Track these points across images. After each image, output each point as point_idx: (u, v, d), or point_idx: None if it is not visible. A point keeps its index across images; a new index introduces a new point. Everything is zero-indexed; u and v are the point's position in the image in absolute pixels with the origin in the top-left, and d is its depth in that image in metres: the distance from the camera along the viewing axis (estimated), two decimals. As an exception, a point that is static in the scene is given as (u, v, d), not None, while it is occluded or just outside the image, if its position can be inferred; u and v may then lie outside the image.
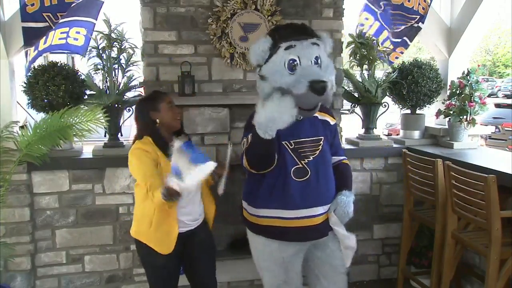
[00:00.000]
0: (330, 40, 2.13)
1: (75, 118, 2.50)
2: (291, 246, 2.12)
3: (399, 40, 3.56)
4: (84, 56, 3.09)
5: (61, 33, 3.10)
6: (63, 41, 3.13)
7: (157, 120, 2.11)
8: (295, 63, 1.97)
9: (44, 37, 3.02)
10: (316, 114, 2.10)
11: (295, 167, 2.02)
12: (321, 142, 2.08)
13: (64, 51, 3.16)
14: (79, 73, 3.00)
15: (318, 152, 2.06)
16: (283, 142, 2.03)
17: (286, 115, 1.83)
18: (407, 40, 3.54)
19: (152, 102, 2.13)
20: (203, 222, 2.27)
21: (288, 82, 1.95)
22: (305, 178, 2.03)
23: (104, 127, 2.83)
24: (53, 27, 2.89)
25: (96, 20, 3.10)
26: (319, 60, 2.02)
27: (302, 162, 2.03)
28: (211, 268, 2.33)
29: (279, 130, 1.92)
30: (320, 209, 2.06)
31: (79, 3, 2.97)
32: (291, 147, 2.05)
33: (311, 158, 2.05)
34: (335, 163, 2.19)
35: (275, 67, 1.99)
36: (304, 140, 2.05)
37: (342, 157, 2.23)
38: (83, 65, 3.13)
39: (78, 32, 3.09)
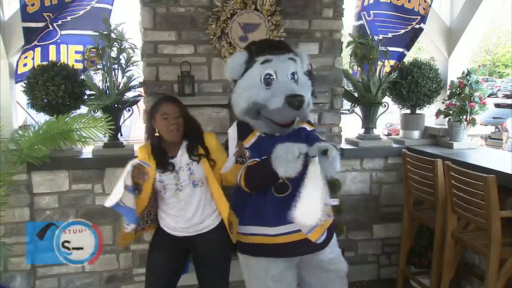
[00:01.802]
0: (307, 56, 2.13)
1: (79, 124, 2.49)
2: (280, 261, 2.09)
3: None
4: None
5: (76, 52, 3.07)
6: (81, 65, 3.08)
7: (156, 130, 2.10)
8: (272, 77, 1.96)
9: (55, 47, 3.00)
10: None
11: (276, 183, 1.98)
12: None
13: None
14: (79, 73, 3.00)
15: None
16: (263, 158, 1.98)
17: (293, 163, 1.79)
18: (403, 50, 3.54)
19: (152, 110, 2.11)
20: (212, 231, 2.17)
21: (263, 97, 1.95)
22: (286, 193, 1.99)
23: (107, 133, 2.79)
24: (55, 28, 2.89)
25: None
26: (295, 76, 2.01)
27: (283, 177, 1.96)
28: (219, 278, 2.23)
29: (262, 146, 1.96)
30: None
31: (88, 12, 2.96)
32: None
33: None
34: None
35: (251, 81, 1.98)
36: None
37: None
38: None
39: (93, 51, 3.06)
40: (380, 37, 3.45)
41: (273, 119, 1.98)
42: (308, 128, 2.17)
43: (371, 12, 3.46)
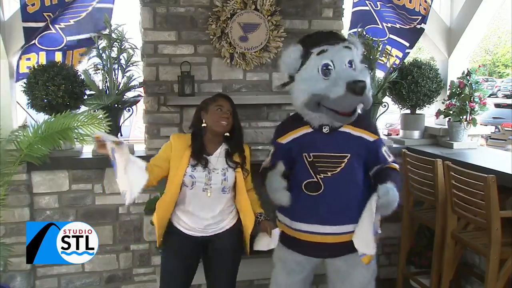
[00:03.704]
0: (360, 43, 2.07)
1: (77, 122, 2.49)
2: (296, 256, 2.12)
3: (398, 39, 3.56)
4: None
5: (80, 55, 3.11)
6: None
7: (204, 120, 2.11)
8: (329, 67, 1.92)
9: (61, 53, 3.03)
10: (349, 130, 2.02)
11: (308, 180, 1.99)
12: (346, 160, 1.99)
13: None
14: (79, 73, 3.00)
15: (339, 169, 1.98)
16: (303, 154, 2.01)
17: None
18: (408, 46, 3.55)
19: (206, 102, 2.15)
20: (227, 232, 2.17)
21: (323, 87, 1.90)
22: (317, 193, 1.99)
23: (105, 131, 2.80)
24: (60, 33, 2.91)
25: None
26: (353, 64, 1.97)
27: (318, 176, 1.98)
28: (227, 280, 2.24)
29: (304, 144, 2.01)
30: (329, 228, 2.01)
31: (89, 13, 2.97)
32: (309, 159, 2.00)
33: (329, 174, 1.98)
34: (377, 170, 2.04)
35: (308, 74, 1.94)
36: (324, 154, 1.99)
37: (385, 164, 2.05)
38: (83, 65, 3.13)
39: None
40: (389, 25, 3.46)
41: (336, 109, 1.91)
42: (370, 138, 2.05)
43: (378, 3, 3.47)
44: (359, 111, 2.00)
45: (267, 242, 2.16)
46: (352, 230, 2.00)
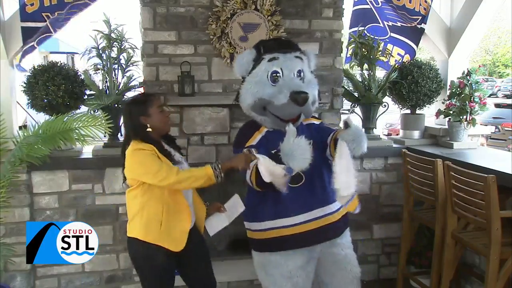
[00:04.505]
0: (314, 56, 2.20)
1: (79, 123, 2.49)
2: (297, 255, 2.10)
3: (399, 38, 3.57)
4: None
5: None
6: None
7: (148, 125, 2.04)
8: (278, 75, 2.02)
9: None
10: (300, 121, 2.12)
11: None
12: (311, 145, 2.03)
13: None
14: (79, 73, 3.00)
15: None
16: (272, 152, 2.01)
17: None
18: (412, 44, 3.55)
19: (142, 106, 2.05)
20: (194, 225, 2.20)
21: (269, 93, 2.01)
22: (300, 183, 2.03)
23: (105, 132, 2.78)
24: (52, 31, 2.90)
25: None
26: (302, 74, 2.08)
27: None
28: (209, 268, 2.29)
29: (270, 141, 2.02)
30: (319, 212, 2.07)
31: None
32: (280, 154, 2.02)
33: None
34: (330, 137, 2.09)
35: (258, 78, 2.05)
36: None
37: (335, 131, 2.14)
38: (83, 65, 3.13)
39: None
40: (390, 23, 3.46)
41: (278, 115, 2.03)
42: (316, 122, 2.24)
43: (378, 0, 3.48)
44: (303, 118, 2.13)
45: (224, 217, 2.23)
46: (336, 209, 2.12)
